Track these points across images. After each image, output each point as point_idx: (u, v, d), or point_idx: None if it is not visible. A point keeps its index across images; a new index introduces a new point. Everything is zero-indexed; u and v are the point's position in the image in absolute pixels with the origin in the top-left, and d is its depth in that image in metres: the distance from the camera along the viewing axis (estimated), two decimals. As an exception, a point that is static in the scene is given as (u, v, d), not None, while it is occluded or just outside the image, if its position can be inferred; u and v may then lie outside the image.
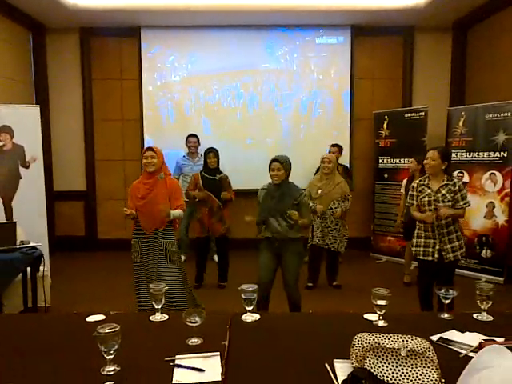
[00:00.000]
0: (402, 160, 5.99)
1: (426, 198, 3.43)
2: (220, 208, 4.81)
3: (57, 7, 5.52)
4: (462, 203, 3.41)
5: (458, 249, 3.46)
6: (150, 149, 3.54)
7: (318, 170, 5.63)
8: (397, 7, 5.67)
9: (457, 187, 3.40)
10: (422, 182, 3.51)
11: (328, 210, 4.71)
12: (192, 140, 5.78)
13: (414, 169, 4.88)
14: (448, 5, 5.57)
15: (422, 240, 3.49)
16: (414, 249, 3.57)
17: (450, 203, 3.37)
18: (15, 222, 3.91)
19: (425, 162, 3.46)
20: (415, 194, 3.52)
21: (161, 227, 3.56)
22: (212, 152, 4.86)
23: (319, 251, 4.86)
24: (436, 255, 3.43)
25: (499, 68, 5.58)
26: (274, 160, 3.48)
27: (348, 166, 6.21)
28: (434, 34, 6.53)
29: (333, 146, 5.80)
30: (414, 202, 3.52)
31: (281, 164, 3.44)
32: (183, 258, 5.70)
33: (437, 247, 3.43)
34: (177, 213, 3.59)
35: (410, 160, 5.02)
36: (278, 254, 3.54)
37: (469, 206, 3.47)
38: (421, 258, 3.51)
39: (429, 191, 3.43)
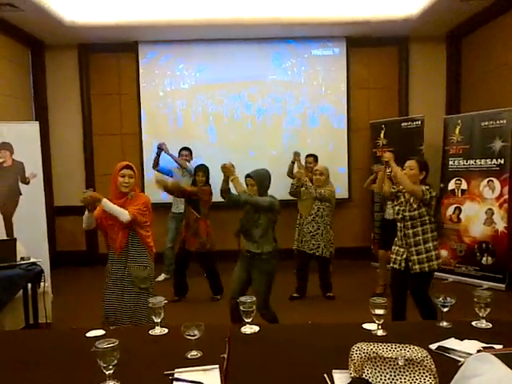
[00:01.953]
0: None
1: (397, 207, 3.47)
2: (195, 221, 4.76)
3: (55, 24, 5.59)
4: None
5: (424, 261, 3.36)
6: (129, 167, 3.06)
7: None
8: (390, 18, 5.73)
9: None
10: (401, 188, 3.52)
11: (309, 216, 4.73)
12: (184, 153, 5.75)
13: None
14: (440, 15, 5.63)
15: (396, 248, 3.52)
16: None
17: (415, 212, 3.35)
18: (15, 239, 3.93)
19: (403, 171, 3.45)
20: (394, 191, 3.55)
21: (123, 246, 3.08)
22: (201, 170, 4.86)
23: (305, 259, 4.81)
24: (403, 264, 3.43)
25: (494, 76, 5.64)
26: (247, 175, 3.46)
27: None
28: (429, 43, 6.60)
29: (308, 156, 5.66)
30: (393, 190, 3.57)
31: (253, 180, 3.41)
32: (164, 276, 5.64)
33: (404, 256, 3.42)
34: (111, 206, 2.94)
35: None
36: (249, 269, 3.48)
37: (423, 190, 3.28)
38: (390, 264, 3.56)
39: (402, 199, 3.47)
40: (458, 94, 6.55)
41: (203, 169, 4.88)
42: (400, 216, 3.43)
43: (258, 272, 3.43)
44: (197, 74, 6.58)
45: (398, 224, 3.48)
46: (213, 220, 5.06)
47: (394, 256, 3.52)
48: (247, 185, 3.45)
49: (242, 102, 6.60)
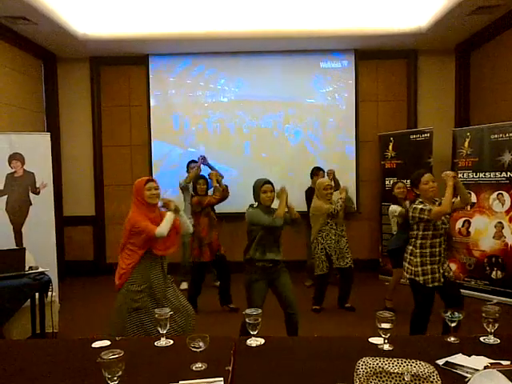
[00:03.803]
0: (408, 181, 5.98)
1: (432, 231, 3.37)
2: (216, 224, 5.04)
3: (67, 37, 5.69)
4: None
5: (449, 266, 3.50)
6: (151, 180, 3.19)
7: (307, 190, 5.61)
8: (399, 31, 5.75)
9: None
10: (425, 207, 3.37)
11: (341, 232, 4.76)
12: (193, 166, 5.72)
13: (405, 193, 4.86)
14: (449, 29, 5.64)
15: (429, 267, 3.37)
16: (421, 278, 3.38)
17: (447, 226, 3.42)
18: (24, 248, 3.96)
19: (428, 185, 3.34)
20: (427, 208, 3.33)
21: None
22: (203, 179, 5.02)
23: (328, 276, 4.82)
24: (441, 279, 3.39)
25: (503, 89, 5.62)
26: (266, 182, 3.50)
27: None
28: (438, 56, 6.61)
29: (318, 169, 5.74)
30: (430, 207, 3.34)
31: (272, 186, 3.51)
32: (186, 284, 5.64)
33: (441, 270, 3.40)
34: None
35: (398, 185, 4.95)
36: (270, 280, 3.53)
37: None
38: (430, 285, 3.36)
39: (426, 218, 3.37)
40: (466, 106, 6.53)
41: (204, 178, 5.08)
42: (440, 232, 3.38)
43: (284, 274, 3.57)
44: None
45: (436, 241, 3.37)
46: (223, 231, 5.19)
47: (430, 276, 3.35)
48: (265, 191, 3.49)
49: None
